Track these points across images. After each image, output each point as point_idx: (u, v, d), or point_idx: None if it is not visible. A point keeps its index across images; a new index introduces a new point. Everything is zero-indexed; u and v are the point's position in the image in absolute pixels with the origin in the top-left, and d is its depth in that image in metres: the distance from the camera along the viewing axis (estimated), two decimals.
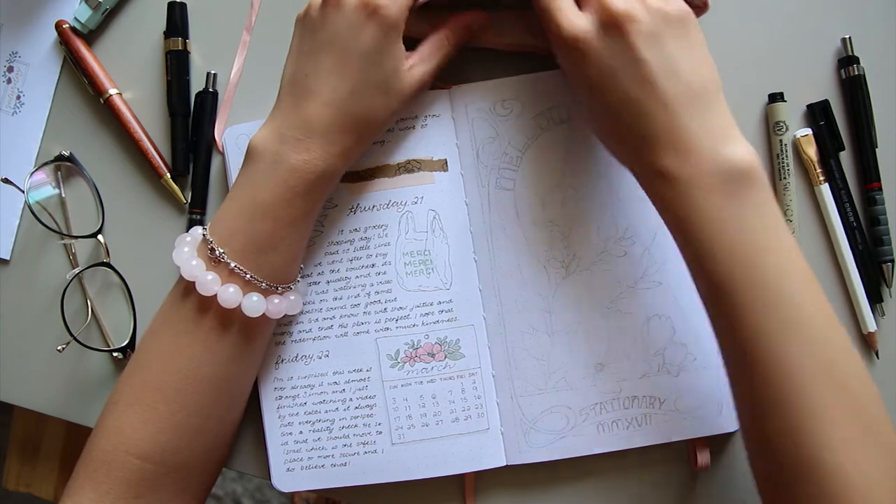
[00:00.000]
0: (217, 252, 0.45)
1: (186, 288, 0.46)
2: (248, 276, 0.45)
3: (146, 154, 0.55)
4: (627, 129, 0.43)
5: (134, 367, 0.46)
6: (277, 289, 0.47)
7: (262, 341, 0.49)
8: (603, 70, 0.42)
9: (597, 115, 0.45)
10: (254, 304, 0.45)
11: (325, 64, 0.45)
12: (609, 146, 0.47)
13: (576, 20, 0.43)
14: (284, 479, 0.52)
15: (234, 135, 0.53)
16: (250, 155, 0.46)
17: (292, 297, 0.48)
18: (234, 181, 0.49)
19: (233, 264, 0.45)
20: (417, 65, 0.48)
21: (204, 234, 0.46)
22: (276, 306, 0.47)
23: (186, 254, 0.46)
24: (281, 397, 0.52)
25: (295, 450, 0.52)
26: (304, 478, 0.52)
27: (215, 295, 0.45)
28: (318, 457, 0.52)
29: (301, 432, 0.52)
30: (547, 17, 0.44)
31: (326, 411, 0.52)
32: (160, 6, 0.56)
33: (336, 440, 0.52)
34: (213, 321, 0.45)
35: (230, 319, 0.46)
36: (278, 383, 0.52)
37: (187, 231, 0.54)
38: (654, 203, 0.44)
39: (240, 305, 0.45)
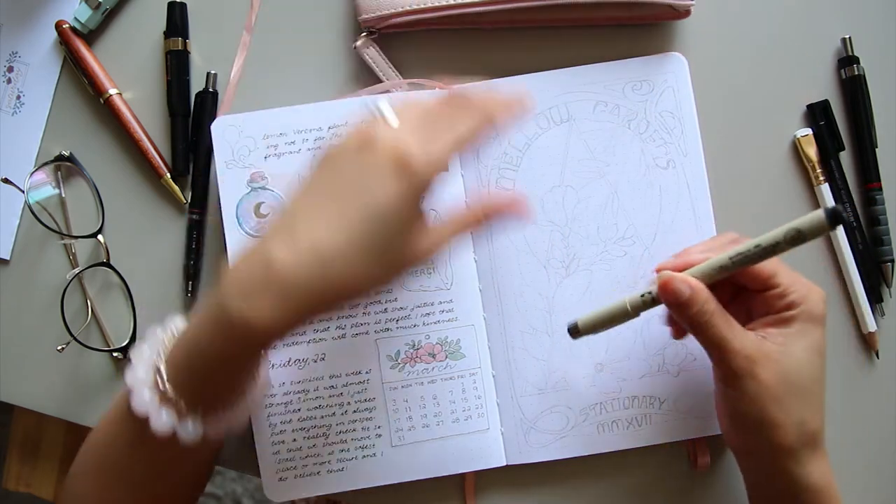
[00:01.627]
0: (165, 387, 0.41)
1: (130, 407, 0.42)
2: (182, 403, 0.41)
3: (146, 154, 0.55)
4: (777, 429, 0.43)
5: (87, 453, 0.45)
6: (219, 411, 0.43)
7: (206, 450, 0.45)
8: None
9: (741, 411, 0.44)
10: (188, 433, 0.41)
11: (326, 206, 0.38)
12: (738, 437, 0.46)
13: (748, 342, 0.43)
14: (277, 488, 0.51)
15: (222, 125, 0.52)
16: (215, 292, 0.39)
17: (235, 414, 0.44)
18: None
19: (169, 391, 0.40)
20: (433, 235, 0.41)
21: (158, 368, 0.41)
22: (215, 428, 0.42)
23: (141, 381, 0.41)
24: (271, 405, 0.51)
25: (287, 458, 0.51)
26: (298, 486, 0.51)
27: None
28: (314, 464, 0.51)
29: (294, 440, 0.51)
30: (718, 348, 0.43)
31: (322, 416, 0.51)
32: (160, 6, 0.56)
33: (332, 445, 0.51)
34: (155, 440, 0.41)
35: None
36: (271, 389, 0.51)
37: (187, 234, 0.55)
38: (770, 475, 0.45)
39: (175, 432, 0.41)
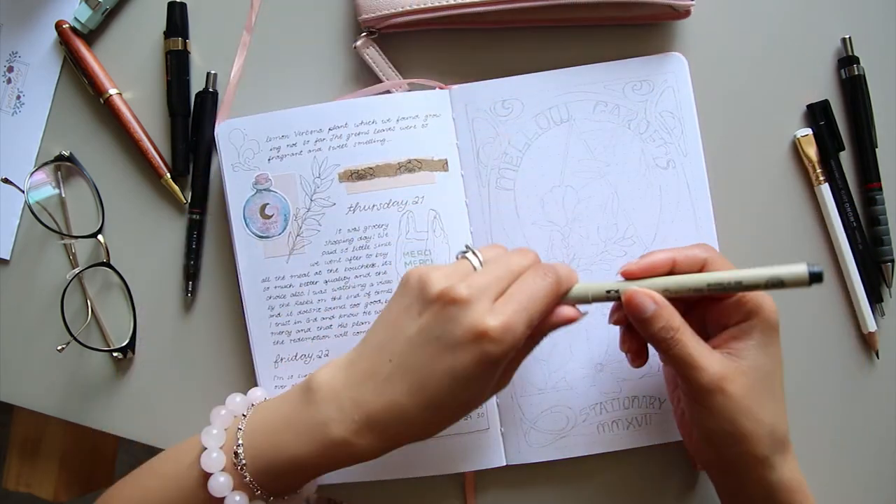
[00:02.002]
0: (241, 467, 0.43)
1: (201, 476, 0.44)
2: (258, 491, 0.44)
3: (146, 154, 0.55)
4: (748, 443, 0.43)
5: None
6: (284, 497, 0.46)
7: None
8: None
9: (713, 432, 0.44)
10: None
11: (411, 364, 0.41)
12: (712, 453, 0.45)
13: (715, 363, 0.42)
14: None
15: (227, 129, 0.53)
16: (309, 393, 0.43)
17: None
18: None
19: (248, 478, 0.43)
20: (507, 375, 0.45)
21: (237, 450, 0.43)
22: None
23: (215, 461, 0.44)
24: None
25: None
26: None
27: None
28: None
29: None
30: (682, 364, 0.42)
31: None
32: (160, 6, 0.56)
33: None
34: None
35: None
36: (278, 382, 0.52)
37: (187, 234, 0.55)
38: (748, 485, 0.44)
39: None
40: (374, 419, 0.41)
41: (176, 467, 0.45)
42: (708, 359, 0.42)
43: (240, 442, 0.43)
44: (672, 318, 0.42)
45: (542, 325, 0.43)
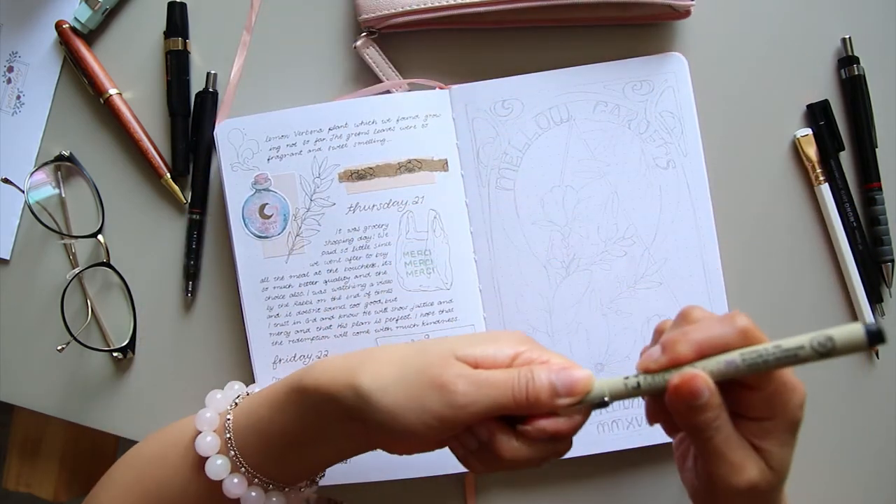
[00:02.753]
0: (231, 446, 0.43)
1: (197, 460, 0.44)
2: (255, 477, 0.43)
3: (146, 154, 0.55)
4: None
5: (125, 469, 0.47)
6: (284, 488, 0.44)
7: None
8: None
9: None
10: (252, 500, 0.44)
11: (412, 349, 0.41)
12: None
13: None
14: None
15: (226, 129, 0.53)
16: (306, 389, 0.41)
17: (293, 495, 0.45)
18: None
19: (236, 454, 0.43)
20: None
21: (228, 437, 0.43)
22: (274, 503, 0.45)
23: (209, 444, 0.44)
24: None
25: None
26: None
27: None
28: None
29: None
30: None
31: None
32: (160, 6, 0.56)
33: None
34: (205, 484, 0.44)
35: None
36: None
37: (187, 234, 0.55)
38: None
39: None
40: (357, 379, 0.39)
41: (174, 450, 0.45)
42: (746, 460, 0.37)
43: (229, 418, 0.44)
44: (721, 409, 0.37)
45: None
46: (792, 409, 0.38)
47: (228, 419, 0.44)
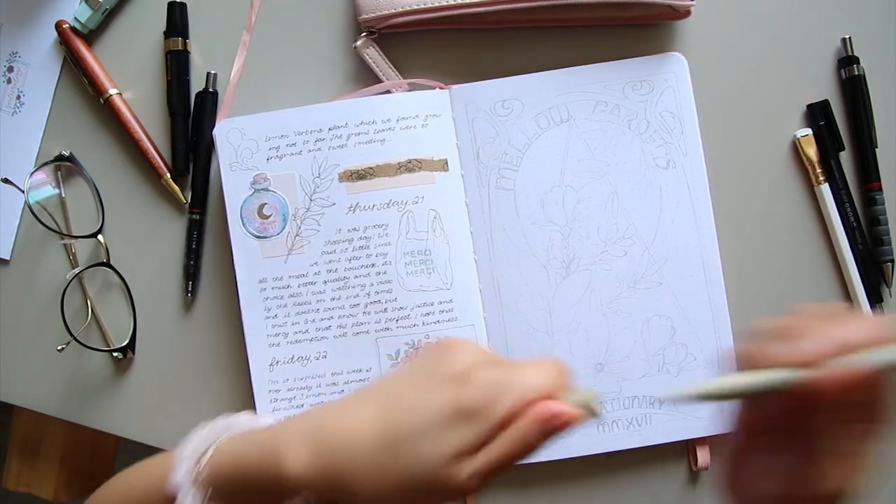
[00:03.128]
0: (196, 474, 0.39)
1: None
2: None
3: (146, 154, 0.55)
4: None
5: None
6: None
7: None
8: None
9: None
10: None
11: (391, 391, 0.38)
12: None
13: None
14: None
15: (225, 128, 0.53)
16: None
17: None
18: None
19: (201, 482, 0.39)
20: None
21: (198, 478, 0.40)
22: None
23: (184, 477, 0.40)
24: (276, 399, 0.52)
25: None
26: None
27: None
28: None
29: None
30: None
31: None
32: (160, 6, 0.56)
33: None
34: None
35: None
36: (273, 386, 0.52)
37: (187, 234, 0.55)
38: None
39: None
40: (320, 432, 0.37)
41: (151, 480, 0.42)
42: (846, 466, 0.35)
43: (209, 454, 0.40)
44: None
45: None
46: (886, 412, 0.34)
47: (209, 453, 0.40)
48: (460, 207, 0.52)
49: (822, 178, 0.53)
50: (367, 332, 0.52)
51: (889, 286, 0.53)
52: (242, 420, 0.44)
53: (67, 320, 0.53)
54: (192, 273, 0.54)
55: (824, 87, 0.54)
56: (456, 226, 0.52)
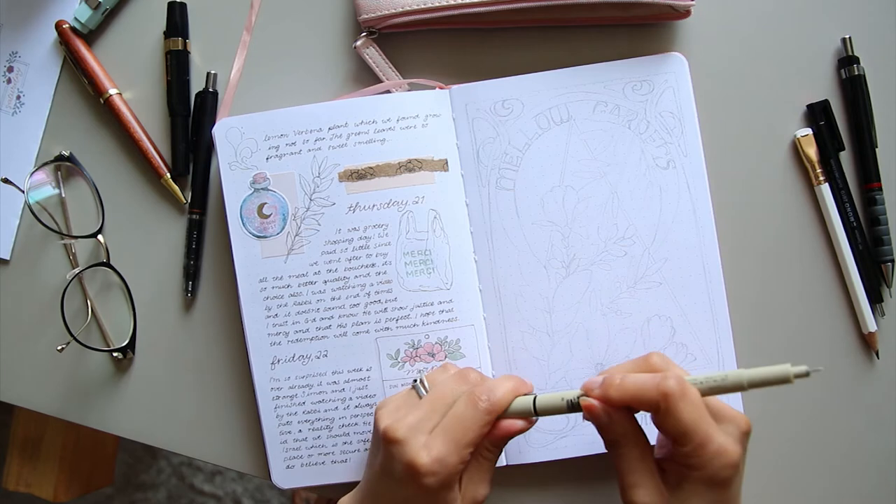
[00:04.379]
0: None
1: None
2: None
3: (146, 154, 0.55)
4: None
5: None
6: None
7: None
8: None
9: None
10: None
11: (377, 492, 0.46)
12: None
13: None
14: (284, 476, 0.52)
15: (224, 128, 0.53)
16: None
17: None
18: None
19: None
20: (469, 489, 0.45)
21: None
22: None
23: None
24: (278, 397, 0.52)
25: (294, 448, 0.52)
26: (305, 474, 0.52)
27: None
28: (319, 454, 0.52)
29: (300, 430, 0.52)
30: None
31: (326, 410, 0.52)
32: (160, 6, 0.56)
33: (336, 438, 0.52)
34: None
35: None
36: (275, 384, 0.52)
37: (187, 234, 0.55)
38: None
39: None
40: None
41: None
42: (640, 486, 0.42)
43: None
44: (623, 434, 0.43)
45: (492, 438, 0.45)
46: (712, 469, 0.40)
47: None
48: (460, 207, 0.52)
49: (822, 178, 0.53)
50: (367, 331, 0.52)
51: (889, 286, 0.53)
52: None
53: (67, 320, 0.53)
54: (192, 273, 0.54)
55: (824, 87, 0.54)
56: (456, 226, 0.52)
